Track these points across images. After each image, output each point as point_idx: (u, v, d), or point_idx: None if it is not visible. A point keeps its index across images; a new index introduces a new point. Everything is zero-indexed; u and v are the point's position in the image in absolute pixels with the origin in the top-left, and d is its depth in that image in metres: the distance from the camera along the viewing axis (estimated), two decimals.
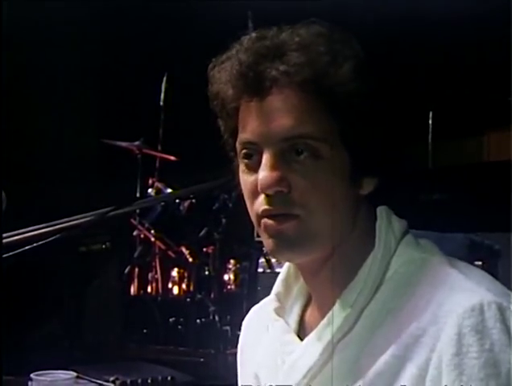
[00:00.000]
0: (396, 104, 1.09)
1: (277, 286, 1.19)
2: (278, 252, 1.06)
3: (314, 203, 1.03)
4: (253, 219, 1.07)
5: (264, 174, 1.02)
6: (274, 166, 1.03)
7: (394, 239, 1.08)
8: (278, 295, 1.18)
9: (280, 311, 1.17)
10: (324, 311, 1.09)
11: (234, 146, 1.09)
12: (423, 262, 1.07)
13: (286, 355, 1.11)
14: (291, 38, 1.04)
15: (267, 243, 1.06)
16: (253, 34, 1.07)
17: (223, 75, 1.06)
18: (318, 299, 1.13)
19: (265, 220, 1.05)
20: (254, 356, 1.21)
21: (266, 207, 1.04)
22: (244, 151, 1.06)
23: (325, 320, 1.07)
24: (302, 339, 1.11)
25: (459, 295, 0.99)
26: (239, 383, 1.27)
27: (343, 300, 1.06)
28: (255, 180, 1.04)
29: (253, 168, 1.05)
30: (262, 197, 1.04)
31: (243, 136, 1.06)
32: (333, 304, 1.07)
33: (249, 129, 1.05)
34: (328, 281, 1.09)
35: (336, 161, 1.04)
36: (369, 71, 1.04)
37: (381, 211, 1.10)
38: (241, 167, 1.08)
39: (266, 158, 1.03)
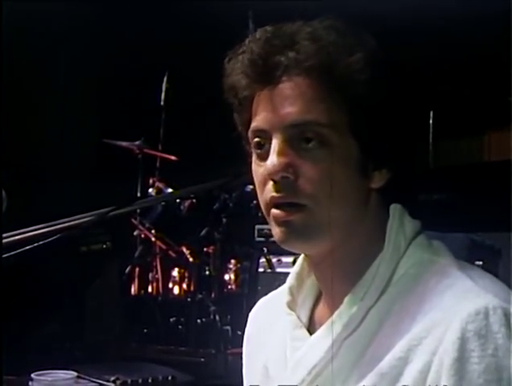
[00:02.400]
0: (407, 100, 1.09)
1: (290, 279, 1.19)
2: (286, 241, 1.06)
3: (321, 192, 1.03)
4: (263, 208, 1.08)
5: (272, 159, 1.03)
6: (281, 152, 1.03)
7: (405, 240, 1.08)
8: (291, 288, 1.17)
9: (292, 305, 1.16)
10: (332, 308, 1.09)
11: (248, 139, 1.10)
12: (432, 264, 1.06)
13: (295, 351, 1.12)
14: (303, 29, 1.06)
15: (276, 232, 1.06)
16: (267, 27, 1.08)
17: (236, 66, 1.08)
18: (327, 295, 1.13)
19: (273, 210, 1.06)
20: (263, 348, 1.21)
21: (273, 194, 1.05)
22: (255, 140, 1.07)
23: (332, 317, 1.07)
24: (312, 334, 1.11)
25: (464, 299, 0.99)
26: (244, 373, 1.27)
27: (350, 298, 1.06)
28: (265, 169, 1.05)
29: (264, 157, 1.06)
30: (270, 184, 1.05)
31: (254, 124, 1.07)
32: (341, 302, 1.07)
33: (260, 117, 1.06)
34: (336, 278, 1.09)
35: (344, 149, 1.04)
36: (381, 65, 1.04)
37: (395, 209, 1.09)
38: (254, 158, 1.09)
39: (274, 144, 1.04)
